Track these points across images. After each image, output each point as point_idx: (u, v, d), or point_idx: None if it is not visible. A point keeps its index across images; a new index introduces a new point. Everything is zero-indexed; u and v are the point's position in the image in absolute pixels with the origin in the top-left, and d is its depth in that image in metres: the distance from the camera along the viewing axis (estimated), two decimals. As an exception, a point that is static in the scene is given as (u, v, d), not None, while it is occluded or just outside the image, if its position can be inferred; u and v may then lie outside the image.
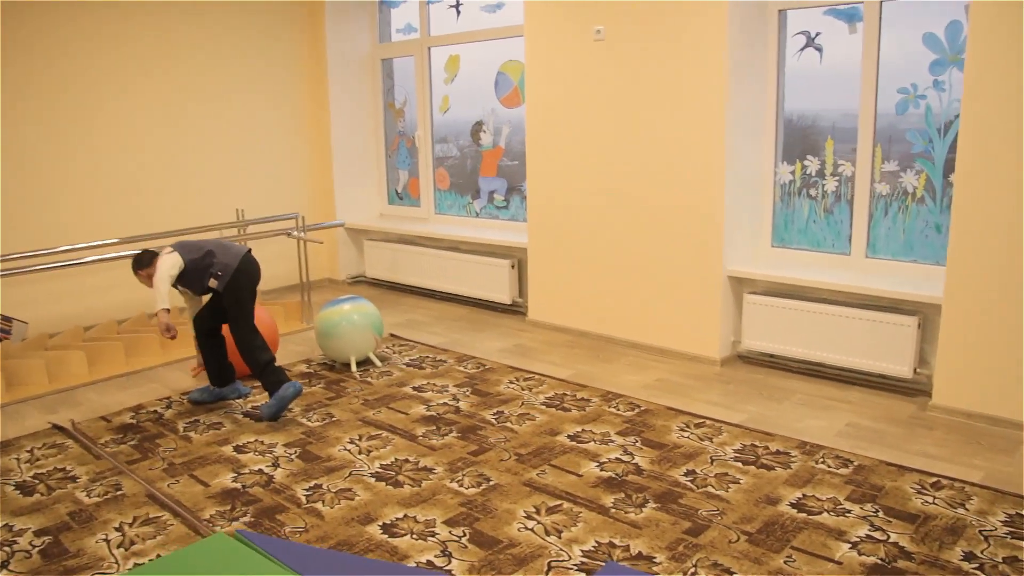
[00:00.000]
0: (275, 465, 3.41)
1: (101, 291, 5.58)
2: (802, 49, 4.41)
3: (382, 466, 3.38)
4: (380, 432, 3.74)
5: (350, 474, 3.31)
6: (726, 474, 3.25)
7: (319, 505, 3.04)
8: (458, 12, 6.20)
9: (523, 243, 5.64)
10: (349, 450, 3.55)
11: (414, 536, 2.81)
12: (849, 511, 2.93)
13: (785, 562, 2.62)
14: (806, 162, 4.52)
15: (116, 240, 5.19)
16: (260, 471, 3.35)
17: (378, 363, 4.73)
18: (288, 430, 3.79)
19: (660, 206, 4.71)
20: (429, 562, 2.64)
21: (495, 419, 3.88)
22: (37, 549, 2.81)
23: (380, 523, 2.90)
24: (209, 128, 6.13)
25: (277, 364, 4.10)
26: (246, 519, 2.94)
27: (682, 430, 3.70)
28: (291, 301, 5.85)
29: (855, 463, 3.33)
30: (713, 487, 3.14)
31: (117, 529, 2.91)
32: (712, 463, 3.35)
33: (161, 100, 5.84)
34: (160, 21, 5.76)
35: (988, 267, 3.60)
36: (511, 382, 4.41)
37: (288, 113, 6.63)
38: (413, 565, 2.63)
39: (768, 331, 4.46)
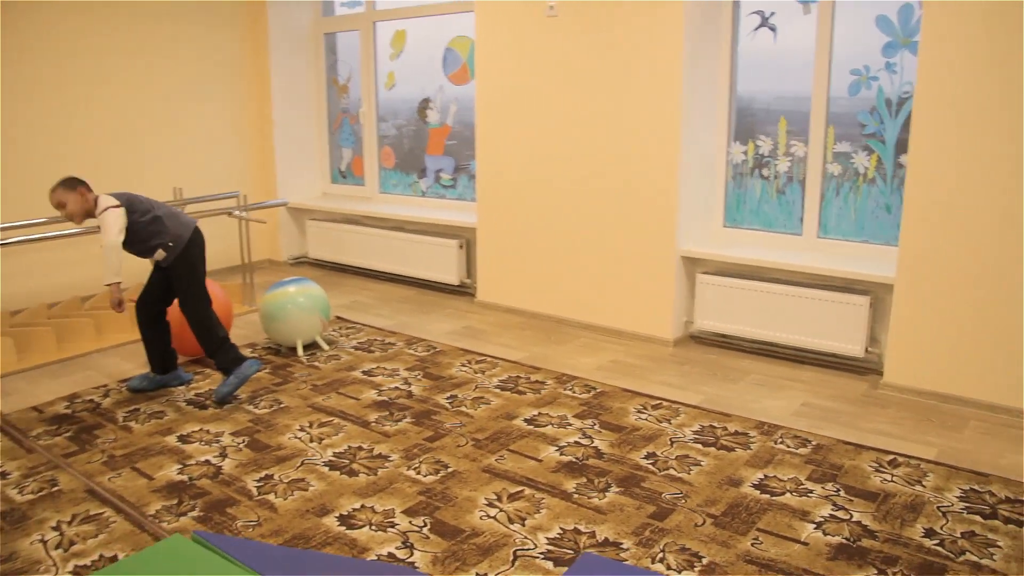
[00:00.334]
0: (223, 455, 3.26)
1: (27, 273, 5.31)
2: (756, 29, 4.39)
3: (335, 454, 3.27)
4: (331, 419, 3.62)
5: (302, 463, 3.19)
6: (687, 456, 3.22)
7: (271, 497, 2.92)
8: (404, -15, 6.04)
9: (471, 223, 5.54)
10: (300, 438, 3.42)
11: (373, 527, 2.71)
12: (811, 491, 2.93)
13: (752, 544, 2.60)
14: (759, 142, 4.51)
15: (44, 220, 4.93)
16: (207, 462, 3.21)
17: (325, 347, 4.59)
18: (235, 418, 3.64)
19: (613, 186, 4.66)
20: (390, 554, 2.55)
21: (449, 403, 3.79)
22: (-32, 550, 2.63)
23: (337, 514, 2.80)
24: (144, 105, 5.86)
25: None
26: (194, 514, 2.80)
27: (640, 412, 3.67)
28: (232, 283, 5.66)
29: (813, 442, 3.33)
30: (675, 470, 3.11)
31: (54, 528, 2.74)
32: (672, 445, 3.33)
33: (93, 76, 5.56)
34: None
35: (939, 247, 3.64)
36: (463, 365, 4.32)
37: (228, 88, 6.38)
38: (374, 558, 2.53)
39: (721, 311, 4.46)
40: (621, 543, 2.61)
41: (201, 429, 3.52)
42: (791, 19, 4.28)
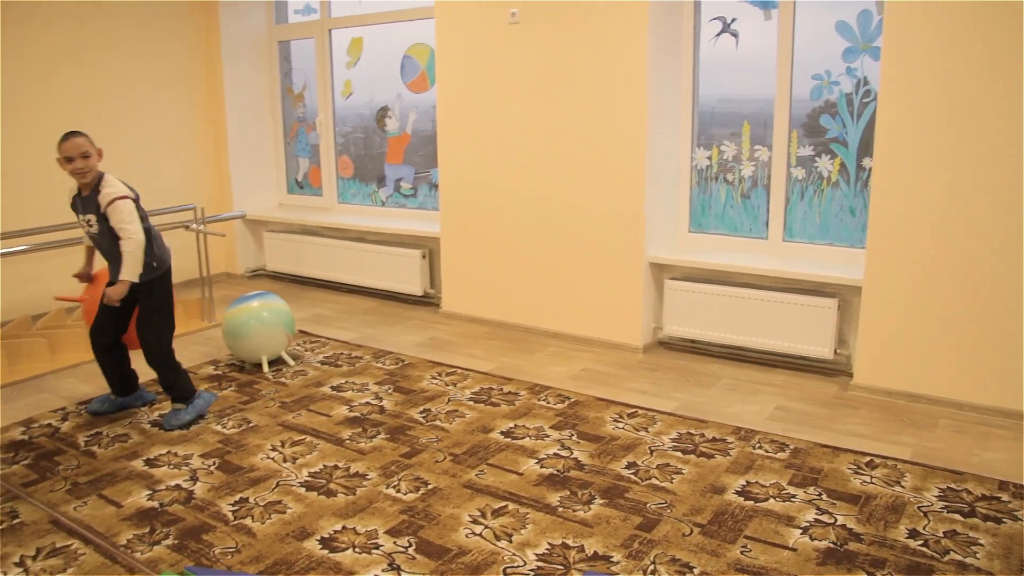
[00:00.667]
0: (193, 479, 3.16)
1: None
2: (718, 35, 4.42)
3: (311, 474, 3.18)
4: (303, 437, 3.54)
5: (277, 485, 3.10)
6: (668, 464, 3.21)
7: (248, 521, 2.83)
8: (360, -7, 5.96)
9: (434, 232, 5.48)
10: (272, 458, 3.33)
11: (357, 549, 2.64)
12: (794, 496, 2.94)
13: (742, 552, 2.59)
14: (722, 147, 4.54)
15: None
16: (178, 486, 3.10)
17: (291, 362, 4.50)
18: (203, 439, 3.53)
19: (579, 192, 4.65)
20: (378, 577, 2.49)
21: (423, 418, 3.73)
22: (-72, 590, 2.50)
23: (318, 537, 2.72)
24: (95, 115, 5.69)
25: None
26: (169, 542, 2.70)
27: (616, 421, 3.65)
28: (191, 298, 5.51)
29: (791, 446, 3.35)
30: (657, 479, 3.10)
31: (18, 564, 2.60)
32: (652, 454, 3.31)
33: (42, 87, 5.38)
34: (40, 4, 5.30)
35: (906, 249, 3.69)
36: (433, 377, 4.26)
37: (179, 99, 6.23)
38: (361, 581, 2.47)
39: (689, 316, 4.47)
40: (611, 556, 2.58)
41: (168, 452, 3.41)
42: (752, 25, 4.32)
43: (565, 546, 2.64)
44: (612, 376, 4.26)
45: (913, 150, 3.60)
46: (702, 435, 3.48)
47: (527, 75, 4.71)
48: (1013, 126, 3.37)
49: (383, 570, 2.52)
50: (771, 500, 2.92)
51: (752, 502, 2.91)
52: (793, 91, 4.24)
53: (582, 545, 2.65)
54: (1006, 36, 3.33)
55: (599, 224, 4.61)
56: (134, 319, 3.73)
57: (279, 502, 2.96)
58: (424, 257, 5.60)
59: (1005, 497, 2.92)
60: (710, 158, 4.58)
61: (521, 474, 3.16)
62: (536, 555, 2.59)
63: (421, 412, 3.79)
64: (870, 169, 4.05)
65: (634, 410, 3.77)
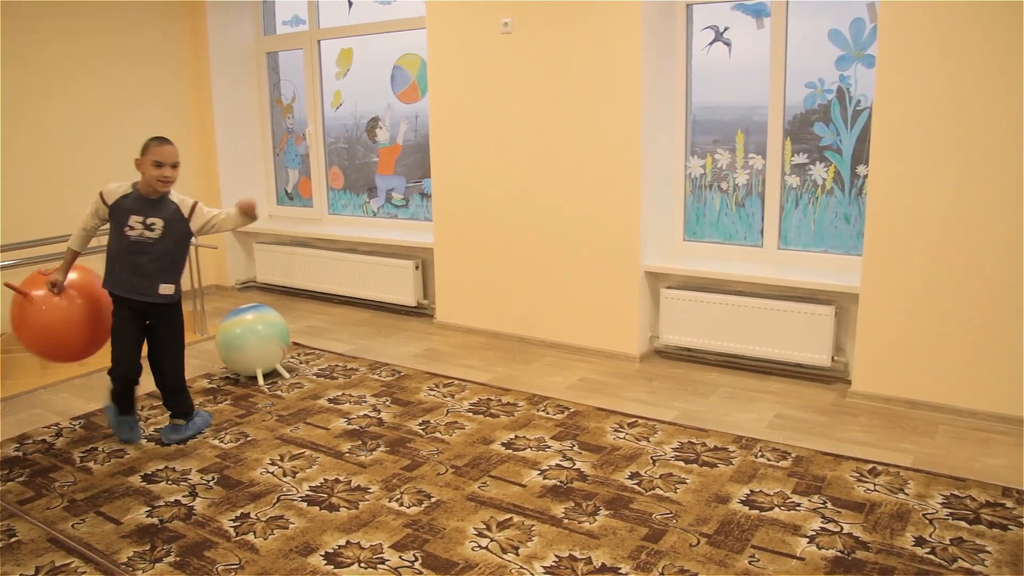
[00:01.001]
0: (193, 494, 3.12)
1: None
2: (711, 44, 4.43)
3: (312, 488, 3.15)
4: (302, 450, 3.50)
5: (278, 499, 3.06)
6: (671, 474, 3.20)
7: (251, 537, 2.79)
8: (350, 3, 5.94)
9: (427, 243, 5.46)
10: (272, 472, 3.29)
11: (362, 565, 2.61)
12: (799, 504, 2.94)
13: (750, 562, 2.58)
14: (717, 156, 4.55)
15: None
16: (177, 502, 3.06)
17: (286, 375, 4.46)
18: (200, 454, 3.49)
19: (574, 202, 4.64)
20: (386, 593, 2.46)
21: (422, 430, 3.70)
22: (-75, 613, 2.45)
23: (322, 553, 2.69)
24: (84, 127, 5.64)
25: None
26: (171, 559, 2.66)
27: (617, 431, 3.64)
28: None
29: (793, 455, 3.35)
30: (661, 489, 3.08)
31: (19, 582, 2.58)
32: (655, 464, 3.30)
33: (31, 98, 5.32)
34: (29, 15, 5.24)
35: (903, 256, 3.71)
36: (431, 389, 4.24)
37: (169, 110, 6.18)
38: (369, 597, 2.44)
39: (685, 325, 4.47)
40: (619, 568, 2.56)
41: (166, 467, 3.36)
42: (745, 33, 4.34)
43: (572, 558, 2.62)
44: (610, 386, 4.25)
45: (909, 157, 3.62)
46: (703, 444, 3.48)
47: (520, 85, 4.71)
48: (1009, 133, 3.40)
49: (390, 585, 2.50)
50: (776, 509, 2.91)
51: (757, 511, 2.90)
52: (787, 99, 4.26)
53: (589, 557, 2.63)
54: (1002, 43, 3.36)
55: (594, 233, 4.60)
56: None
57: (281, 517, 2.93)
58: (417, 268, 5.58)
59: (1009, 503, 2.93)
60: (704, 166, 4.59)
61: (524, 486, 3.14)
62: (544, 568, 2.57)
63: (420, 424, 3.77)
64: (865, 176, 4.07)
65: (634, 420, 3.76)
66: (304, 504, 3.02)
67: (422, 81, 5.64)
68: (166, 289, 3.48)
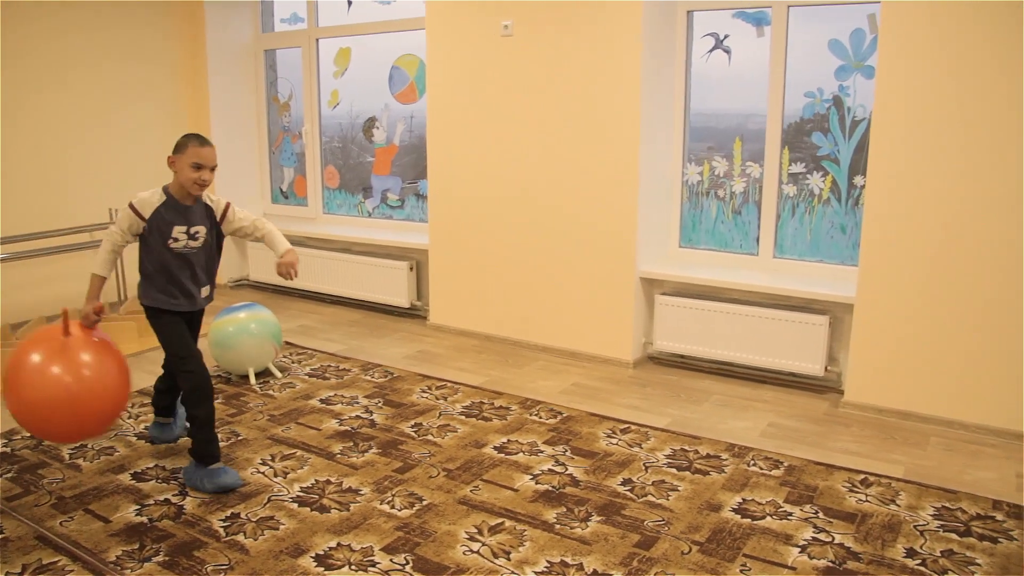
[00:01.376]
0: (183, 493, 3.09)
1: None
2: (711, 51, 4.43)
3: (303, 489, 3.14)
4: (294, 451, 3.49)
5: (269, 500, 3.05)
6: (663, 481, 3.20)
7: (240, 537, 2.78)
8: (349, 2, 5.93)
9: (421, 244, 5.45)
10: (263, 472, 3.28)
11: (353, 567, 2.60)
12: (791, 514, 2.94)
13: (741, 571, 2.58)
14: (714, 163, 4.55)
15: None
16: (167, 501, 3.04)
17: (278, 374, 4.44)
18: (189, 455, 3.46)
19: (570, 206, 4.64)
20: (376, 596, 2.45)
21: (415, 432, 3.69)
22: (-90, 608, 2.43)
23: (312, 554, 2.67)
24: (79, 123, 5.61)
25: None
26: (160, 559, 2.64)
27: (609, 436, 3.64)
28: (173, 309, 5.43)
29: (785, 464, 3.35)
30: (653, 496, 3.08)
31: (6, 579, 2.55)
32: (647, 470, 3.30)
33: (28, 93, 5.29)
34: (27, 12, 5.21)
35: (898, 267, 3.71)
36: (423, 391, 4.23)
37: (165, 107, 6.16)
38: (359, 600, 2.43)
39: (680, 332, 4.47)
40: (611, 574, 2.56)
41: (156, 465, 3.34)
42: (745, 41, 4.34)
43: (564, 564, 2.62)
44: (603, 391, 4.24)
45: (906, 169, 3.63)
46: (696, 451, 3.47)
47: (519, 88, 4.71)
48: (1007, 147, 3.41)
49: (381, 589, 2.48)
50: (768, 518, 2.91)
51: (749, 520, 2.90)
52: (786, 108, 4.26)
53: (581, 563, 2.62)
54: (1002, 57, 3.37)
55: (589, 237, 4.60)
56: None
57: (271, 518, 2.91)
58: (411, 269, 5.57)
59: (999, 516, 2.93)
60: (701, 173, 4.60)
61: (516, 490, 3.13)
62: (535, 573, 2.56)
63: (412, 426, 3.76)
64: (861, 187, 4.08)
65: (627, 426, 3.75)
66: (295, 505, 3.01)
67: (420, 82, 5.64)
68: (206, 292, 3.32)
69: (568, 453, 3.46)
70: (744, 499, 3.05)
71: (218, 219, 3.27)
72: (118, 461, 3.39)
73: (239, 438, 3.61)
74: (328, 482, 3.19)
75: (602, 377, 4.46)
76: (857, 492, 3.10)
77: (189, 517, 2.92)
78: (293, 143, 6.53)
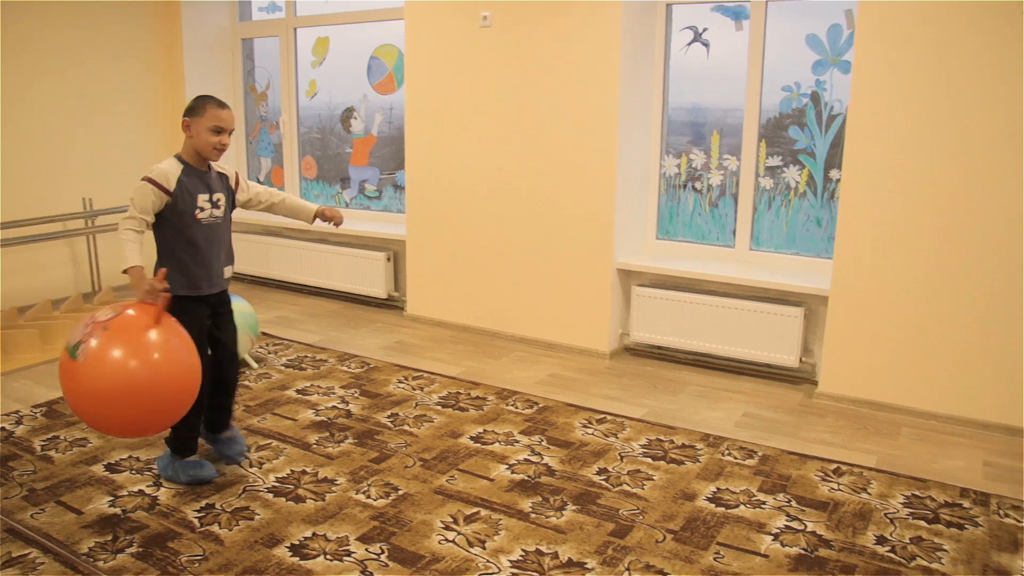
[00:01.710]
0: (157, 484, 3.08)
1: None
2: (689, 44, 4.45)
3: (278, 479, 3.13)
4: (269, 441, 3.48)
5: (244, 490, 3.04)
6: (638, 471, 3.22)
7: (215, 528, 2.77)
8: (327, -8, 5.90)
9: (399, 235, 5.44)
10: (238, 462, 3.26)
11: (328, 557, 2.60)
12: (764, 502, 2.97)
13: (715, 559, 2.60)
14: (691, 156, 4.57)
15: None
16: (141, 492, 3.02)
17: (254, 365, 4.42)
18: (165, 444, 3.44)
19: (548, 198, 4.64)
20: (351, 585, 2.45)
21: (391, 422, 3.69)
22: None
23: (288, 544, 2.67)
24: (52, 111, 5.55)
25: None
26: (132, 550, 2.62)
27: (585, 426, 3.65)
28: (148, 299, 5.39)
29: (759, 453, 3.38)
30: (628, 485, 3.10)
31: (-24, 569, 2.53)
32: (622, 460, 3.32)
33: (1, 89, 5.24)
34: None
35: (872, 260, 3.75)
36: (400, 381, 4.22)
37: (140, 96, 6.10)
38: (334, 589, 2.43)
39: (656, 323, 4.49)
40: (585, 563, 2.57)
41: (130, 456, 3.32)
42: (723, 35, 4.36)
43: (539, 552, 2.63)
44: (579, 382, 4.26)
45: (881, 163, 3.66)
46: (671, 441, 3.50)
47: (498, 79, 4.70)
48: (980, 142, 3.45)
49: (356, 577, 2.49)
50: (742, 507, 2.94)
51: (723, 508, 2.92)
52: (763, 101, 4.29)
53: (556, 552, 2.63)
54: (978, 53, 3.40)
55: (567, 229, 4.61)
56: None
57: (246, 508, 2.90)
58: (389, 260, 5.56)
59: (967, 504, 2.98)
60: (679, 166, 4.62)
61: (492, 480, 3.14)
62: (510, 562, 2.57)
63: (389, 416, 3.75)
64: (837, 180, 4.12)
65: (603, 416, 3.77)
66: (270, 495, 3.00)
67: (399, 72, 5.62)
68: (229, 272, 3.12)
69: (544, 443, 3.47)
70: (718, 488, 3.08)
71: (232, 186, 3.10)
72: (91, 452, 3.36)
73: (214, 428, 3.59)
74: (304, 472, 3.18)
75: (579, 368, 4.47)
76: (830, 481, 3.14)
77: (163, 508, 2.91)
78: (270, 133, 6.48)
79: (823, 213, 4.24)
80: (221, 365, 3.14)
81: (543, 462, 3.29)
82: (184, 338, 2.74)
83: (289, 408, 3.85)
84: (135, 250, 2.79)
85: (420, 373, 4.35)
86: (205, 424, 3.20)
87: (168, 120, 6.29)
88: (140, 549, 2.63)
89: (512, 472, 3.20)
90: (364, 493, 3.02)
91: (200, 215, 2.94)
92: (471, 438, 3.52)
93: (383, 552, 2.62)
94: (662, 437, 3.54)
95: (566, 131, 4.51)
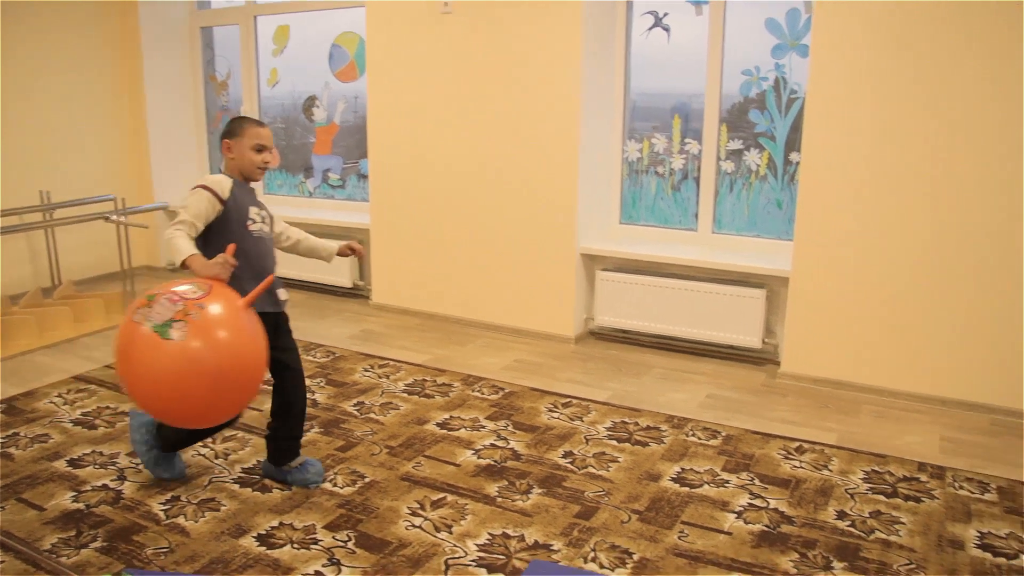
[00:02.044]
0: (121, 478, 3.05)
1: None
2: (650, 29, 4.47)
3: (244, 470, 3.11)
4: (235, 432, 3.46)
5: (210, 482, 3.02)
6: (603, 453, 3.25)
7: (181, 520, 2.75)
8: (286, -21, 5.84)
9: (363, 223, 5.41)
10: (203, 455, 3.24)
11: (295, 545, 2.60)
12: (728, 481, 3.01)
13: (679, 538, 2.64)
14: (653, 140, 4.60)
15: None
16: (104, 487, 2.99)
17: (219, 356, 4.38)
18: (128, 438, 3.41)
19: (512, 184, 4.65)
20: (317, 573, 2.45)
21: (357, 410, 3.69)
22: None
23: (254, 534, 2.66)
24: (6, 104, 5.44)
25: None
26: (97, 544, 2.60)
27: (551, 411, 3.68)
28: (111, 292, 5.33)
29: (723, 433, 3.42)
30: (594, 467, 3.13)
31: (-64, 567, 2.50)
32: (588, 443, 3.34)
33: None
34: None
35: (831, 241, 3.80)
36: (366, 370, 4.22)
37: (97, 85, 5.99)
38: (300, 577, 2.43)
39: (620, 307, 4.52)
40: (551, 544, 2.60)
41: (93, 451, 3.28)
42: (684, 20, 4.38)
43: (506, 536, 2.65)
44: (545, 367, 4.28)
45: (839, 145, 3.71)
46: (636, 424, 3.53)
47: (460, 66, 4.69)
48: (936, 122, 3.51)
49: (323, 565, 2.48)
50: (706, 486, 2.98)
51: (687, 488, 2.96)
52: (724, 86, 4.32)
53: (522, 535, 2.65)
54: (930, 35, 3.46)
55: (531, 215, 4.62)
56: None
57: (212, 499, 2.89)
58: (354, 249, 5.52)
59: (924, 478, 3.05)
60: (641, 150, 4.64)
61: (458, 465, 3.15)
62: (477, 545, 2.59)
63: (355, 405, 3.75)
64: (797, 163, 4.16)
65: (568, 400, 3.80)
66: (236, 486, 2.99)
67: (360, 60, 5.58)
68: (285, 294, 2.98)
69: (510, 428, 3.49)
70: (683, 468, 3.11)
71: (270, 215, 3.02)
72: (53, 448, 3.32)
73: (179, 420, 3.56)
74: (270, 462, 3.17)
75: (544, 353, 4.49)
76: (792, 459, 3.19)
77: (128, 502, 2.88)
78: (232, 123, 6.40)
79: (784, 195, 4.29)
80: (288, 391, 2.97)
81: (509, 447, 3.31)
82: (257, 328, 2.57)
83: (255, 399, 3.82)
84: (187, 241, 2.63)
85: (386, 361, 4.34)
86: (273, 459, 3.02)
87: (126, 111, 6.20)
88: (104, 543, 2.61)
89: (478, 457, 3.22)
90: (331, 481, 3.02)
91: (252, 227, 2.84)
92: (437, 424, 3.53)
93: (350, 539, 2.63)
94: (627, 420, 3.57)
95: (529, 117, 4.51)
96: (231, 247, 2.64)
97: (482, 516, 2.77)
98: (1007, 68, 3.35)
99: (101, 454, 3.26)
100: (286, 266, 5.73)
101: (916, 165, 3.57)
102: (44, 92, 5.66)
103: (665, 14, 4.41)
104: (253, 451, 3.27)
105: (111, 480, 3.03)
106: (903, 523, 2.73)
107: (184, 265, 2.57)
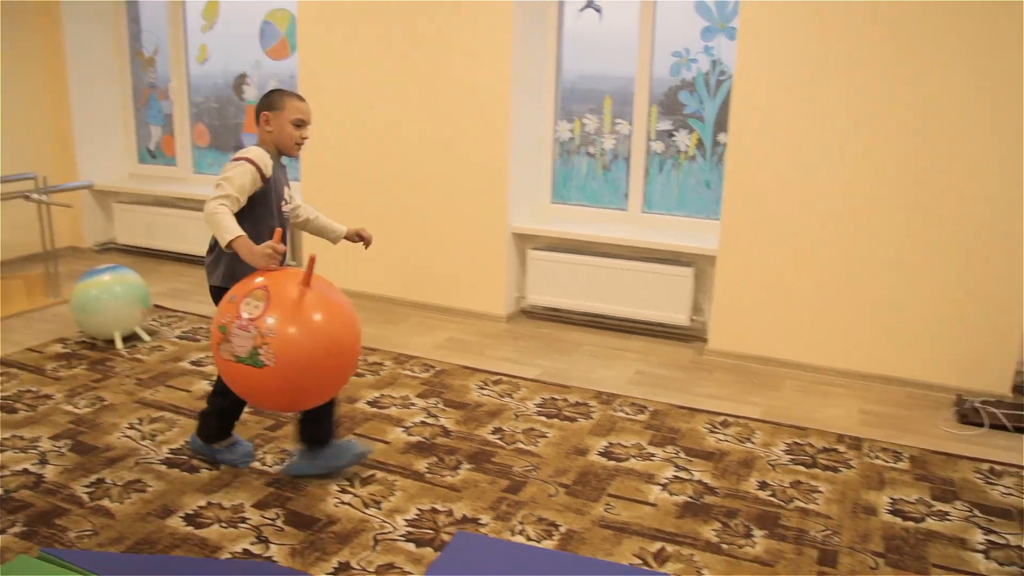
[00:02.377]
0: (43, 462, 2.98)
1: None
2: (582, 10, 4.50)
3: (171, 451, 3.08)
4: (162, 413, 3.41)
5: (136, 463, 2.98)
6: (532, 429, 3.29)
7: (106, 502, 2.71)
8: (214, -47, 5.71)
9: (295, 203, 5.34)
10: (130, 436, 3.19)
11: (223, 524, 2.58)
12: (654, 455, 3.08)
13: (605, 510, 2.70)
14: (585, 121, 4.64)
15: None
16: (25, 471, 2.92)
17: (146, 337, 4.31)
18: (52, 420, 3.33)
19: (443, 164, 4.65)
20: (245, 551, 2.44)
21: (288, 390, 3.66)
22: None
23: (181, 514, 2.64)
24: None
25: None
26: (16, 529, 2.54)
27: (481, 388, 3.71)
28: (33, 273, 5.18)
29: (650, 408, 3.50)
30: (523, 443, 3.17)
31: None
32: (517, 419, 3.39)
33: None
34: None
35: (757, 220, 3.90)
36: (298, 350, 4.18)
37: (15, 58, 5.79)
38: (228, 557, 2.42)
39: (551, 286, 4.57)
40: (479, 519, 2.63)
41: (14, 436, 3.20)
42: (617, 2, 4.42)
43: (434, 511, 2.67)
44: (476, 345, 4.31)
45: (765, 126, 3.80)
46: (565, 400, 3.58)
47: (390, 45, 4.65)
48: (859, 105, 3.61)
49: (251, 543, 2.48)
50: (632, 460, 3.04)
51: (614, 462, 3.02)
52: (654, 67, 4.37)
53: (451, 509, 2.68)
54: (858, 15, 3.55)
55: (462, 195, 4.63)
56: None
57: (138, 481, 2.85)
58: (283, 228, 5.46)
59: (842, 448, 3.16)
60: (572, 131, 4.68)
61: (388, 443, 3.16)
62: (406, 520, 2.61)
63: (286, 385, 3.72)
64: (725, 144, 4.24)
65: (499, 377, 3.83)
66: (164, 467, 2.95)
67: (291, 37, 5.50)
68: None
69: (440, 405, 3.51)
70: (610, 443, 3.18)
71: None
72: (-29, 431, 3.24)
73: (104, 403, 3.49)
74: (197, 443, 3.14)
75: (476, 331, 4.52)
76: (717, 432, 3.28)
77: (50, 485, 2.82)
78: (160, 101, 6.26)
79: (712, 176, 4.37)
80: None
81: (439, 424, 3.33)
82: (331, 285, 2.72)
83: (183, 380, 3.77)
84: (232, 220, 2.54)
85: (319, 342, 4.31)
86: (306, 440, 2.87)
87: (47, 90, 6.00)
88: (24, 528, 2.55)
89: (408, 434, 3.23)
90: (260, 460, 3.00)
91: (285, 207, 2.84)
92: (368, 403, 3.53)
93: (278, 517, 2.62)
94: (556, 396, 3.62)
95: (459, 96, 4.51)
96: (278, 232, 2.61)
97: (411, 492, 2.79)
98: (924, 49, 3.46)
99: (21, 438, 3.18)
100: (198, 240, 5.65)
101: (838, 146, 3.68)
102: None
103: (597, -5, 4.45)
104: (181, 432, 3.23)
105: (32, 464, 2.97)
106: (821, 492, 2.84)
107: (229, 246, 2.51)
